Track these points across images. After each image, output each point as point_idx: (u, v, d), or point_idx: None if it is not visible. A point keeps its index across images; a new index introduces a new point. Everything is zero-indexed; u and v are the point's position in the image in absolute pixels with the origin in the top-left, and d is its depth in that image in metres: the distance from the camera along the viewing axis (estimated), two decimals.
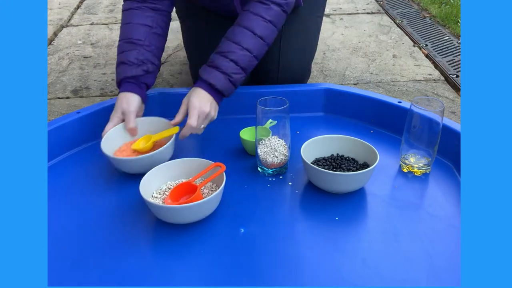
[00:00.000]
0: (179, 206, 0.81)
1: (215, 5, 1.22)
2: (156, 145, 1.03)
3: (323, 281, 0.74)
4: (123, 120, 1.04)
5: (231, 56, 1.01)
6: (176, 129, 1.01)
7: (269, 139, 0.96)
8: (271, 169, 0.98)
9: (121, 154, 1.01)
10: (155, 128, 1.06)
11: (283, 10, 1.05)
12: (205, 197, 0.85)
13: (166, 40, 1.12)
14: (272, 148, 0.95)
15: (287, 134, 0.96)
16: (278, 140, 0.96)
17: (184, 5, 1.33)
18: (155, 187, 0.91)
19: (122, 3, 1.11)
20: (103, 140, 0.99)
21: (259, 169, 1.00)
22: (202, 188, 0.90)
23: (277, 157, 0.95)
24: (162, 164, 0.93)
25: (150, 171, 0.90)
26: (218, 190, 0.84)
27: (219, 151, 1.07)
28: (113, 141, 1.02)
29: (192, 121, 0.97)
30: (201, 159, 0.93)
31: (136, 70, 1.04)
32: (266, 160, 0.96)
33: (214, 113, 1.02)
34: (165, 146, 0.97)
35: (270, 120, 0.96)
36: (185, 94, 1.22)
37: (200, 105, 0.98)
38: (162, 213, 0.83)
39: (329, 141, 0.99)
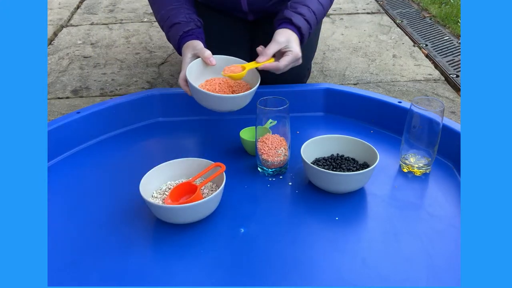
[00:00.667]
0: (179, 206, 0.81)
1: (219, 2, 1.22)
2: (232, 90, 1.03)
3: (323, 281, 0.74)
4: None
5: (312, 6, 1.08)
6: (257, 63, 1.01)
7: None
8: (271, 169, 0.98)
9: (210, 87, 1.01)
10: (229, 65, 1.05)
11: None
12: (205, 197, 0.85)
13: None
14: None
15: (287, 134, 0.96)
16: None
17: None
18: (155, 187, 0.91)
19: None
20: (187, 73, 0.98)
21: (259, 169, 1.00)
22: (202, 188, 0.90)
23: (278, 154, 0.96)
24: (162, 164, 0.93)
25: (150, 171, 0.90)
26: (218, 190, 0.84)
27: (219, 151, 1.07)
28: (196, 75, 1.02)
29: (283, 64, 1.00)
30: (201, 159, 0.93)
31: (190, 25, 1.08)
32: (266, 160, 0.96)
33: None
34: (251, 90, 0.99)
35: (270, 120, 0.96)
36: (185, 94, 1.22)
37: (298, 52, 1.02)
38: (162, 213, 0.83)
39: (329, 141, 0.99)
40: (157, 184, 0.92)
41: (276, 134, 0.96)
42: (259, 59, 1.01)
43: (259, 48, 1.03)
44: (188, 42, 1.06)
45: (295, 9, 1.07)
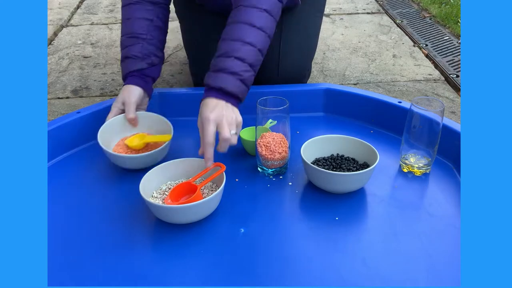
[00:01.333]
0: (179, 206, 0.81)
1: (211, 3, 1.22)
2: (149, 146, 1.04)
3: (323, 281, 0.74)
4: (123, 111, 1.04)
5: (235, 54, 0.92)
6: (169, 136, 1.01)
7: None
8: (271, 169, 0.98)
9: (117, 148, 1.03)
10: (154, 126, 1.07)
11: None
12: (205, 197, 0.85)
13: (167, 32, 1.13)
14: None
15: (287, 134, 0.96)
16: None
17: (184, 4, 1.33)
18: (155, 187, 0.91)
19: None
20: (100, 130, 1.01)
21: (259, 169, 1.00)
22: (202, 188, 0.90)
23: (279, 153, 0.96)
24: (162, 164, 0.93)
25: (150, 171, 0.90)
26: (218, 190, 0.84)
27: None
28: (111, 133, 1.03)
29: (225, 132, 0.86)
30: (201, 159, 0.93)
31: (141, 63, 1.05)
32: (266, 160, 0.96)
33: (238, 116, 0.91)
34: (159, 148, 0.99)
35: (270, 120, 0.96)
36: (185, 94, 1.23)
37: (218, 113, 0.87)
38: (162, 213, 0.83)
39: (329, 141, 0.99)
40: (157, 184, 0.92)
41: (278, 133, 0.96)
42: (207, 165, 0.89)
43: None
44: (128, 85, 1.04)
45: (215, 67, 0.94)
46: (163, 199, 0.88)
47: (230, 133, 0.87)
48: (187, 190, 0.90)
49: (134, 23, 1.07)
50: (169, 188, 0.91)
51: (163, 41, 1.11)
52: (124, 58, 1.07)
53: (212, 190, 0.90)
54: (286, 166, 0.99)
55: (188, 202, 0.84)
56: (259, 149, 0.96)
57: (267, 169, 0.98)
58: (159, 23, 1.09)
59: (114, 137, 1.04)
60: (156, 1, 1.09)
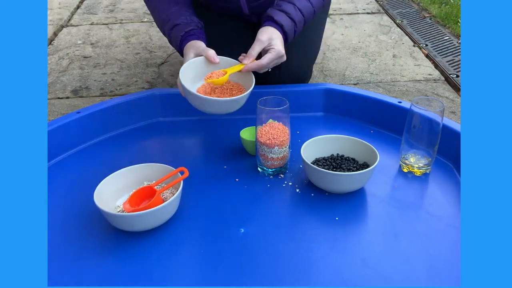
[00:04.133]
0: (131, 214, 0.79)
1: (220, 4, 1.22)
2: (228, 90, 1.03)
3: (323, 281, 0.74)
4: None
5: (298, 4, 1.05)
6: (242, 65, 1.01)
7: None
8: (271, 169, 0.98)
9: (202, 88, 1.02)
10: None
11: None
12: (165, 201, 0.83)
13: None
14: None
15: (287, 133, 0.96)
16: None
17: None
18: (116, 195, 0.89)
19: None
20: (180, 75, 0.98)
21: (259, 169, 1.00)
22: (163, 192, 0.89)
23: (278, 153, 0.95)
24: (119, 171, 0.90)
25: (109, 176, 0.87)
26: (176, 194, 0.83)
27: (219, 151, 1.07)
28: (192, 77, 1.02)
29: (265, 62, 0.99)
30: (163, 164, 0.91)
31: (191, 25, 1.08)
32: (266, 160, 0.96)
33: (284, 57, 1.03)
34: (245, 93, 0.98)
35: (271, 120, 0.96)
36: None
37: (280, 49, 1.00)
38: (118, 222, 0.82)
39: (329, 141, 0.99)
40: (116, 192, 0.89)
41: (279, 123, 0.95)
42: (243, 61, 1.00)
43: (243, 54, 1.02)
44: (190, 42, 1.06)
45: (279, 7, 1.06)
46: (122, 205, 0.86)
47: (270, 66, 1.02)
48: (146, 195, 0.88)
49: (168, 3, 1.11)
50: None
51: (197, 12, 1.15)
52: (172, 28, 1.09)
53: (172, 194, 0.89)
54: (286, 166, 0.99)
55: (146, 207, 0.82)
56: (259, 138, 0.95)
57: (267, 169, 0.98)
58: (186, 1, 1.13)
59: (197, 79, 1.03)
60: None
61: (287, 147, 0.97)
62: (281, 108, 0.93)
